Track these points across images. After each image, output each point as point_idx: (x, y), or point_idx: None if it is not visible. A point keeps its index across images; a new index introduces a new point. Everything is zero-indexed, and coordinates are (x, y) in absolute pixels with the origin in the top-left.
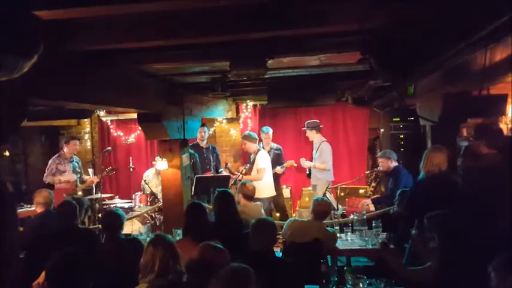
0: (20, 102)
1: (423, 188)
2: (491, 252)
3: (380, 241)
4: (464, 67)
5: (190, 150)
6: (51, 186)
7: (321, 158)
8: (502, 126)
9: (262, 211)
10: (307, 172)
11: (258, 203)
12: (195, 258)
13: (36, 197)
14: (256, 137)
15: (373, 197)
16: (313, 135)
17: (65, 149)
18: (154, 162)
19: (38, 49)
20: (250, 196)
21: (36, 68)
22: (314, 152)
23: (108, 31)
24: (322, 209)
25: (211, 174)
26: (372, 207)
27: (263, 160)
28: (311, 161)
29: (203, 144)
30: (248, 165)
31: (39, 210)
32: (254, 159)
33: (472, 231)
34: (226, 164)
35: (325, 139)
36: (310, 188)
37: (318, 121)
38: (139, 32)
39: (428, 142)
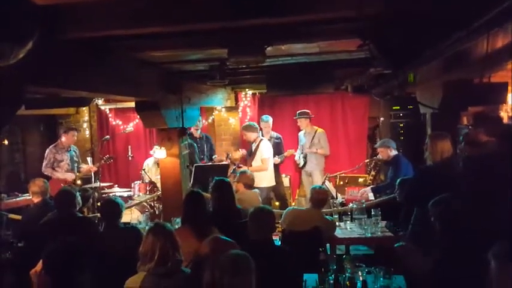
0: (16, 89)
1: (425, 176)
2: (491, 240)
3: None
4: (465, 54)
5: (189, 140)
6: (49, 176)
7: (320, 144)
8: (503, 114)
9: (259, 198)
10: (303, 162)
11: (256, 190)
12: (205, 252)
13: (31, 187)
14: (256, 126)
15: (372, 186)
16: (306, 124)
17: (63, 139)
18: (152, 152)
19: (33, 35)
20: (250, 185)
21: (32, 54)
22: (306, 139)
23: (104, 18)
24: (320, 197)
25: (209, 163)
26: (371, 196)
27: (267, 150)
28: (295, 150)
29: (197, 134)
30: (249, 156)
31: (35, 199)
32: (256, 148)
33: (472, 219)
34: (227, 155)
35: (316, 127)
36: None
37: (308, 111)
38: (135, 19)
39: (428, 130)
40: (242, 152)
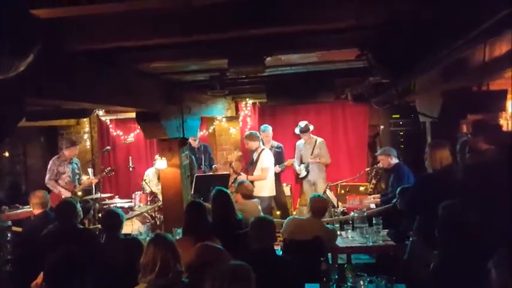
0: (17, 101)
1: (426, 183)
2: (492, 247)
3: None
4: (463, 63)
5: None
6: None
7: (321, 153)
8: (503, 122)
9: (259, 207)
10: (305, 173)
11: (256, 200)
12: (192, 259)
13: (32, 199)
14: (258, 135)
15: (381, 197)
16: (308, 137)
17: (66, 153)
18: (154, 162)
19: (34, 48)
20: (248, 195)
21: (33, 67)
22: (307, 149)
23: (105, 30)
24: (319, 206)
25: (210, 173)
26: (372, 205)
27: (267, 160)
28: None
29: (195, 144)
30: (250, 165)
31: (36, 211)
32: (258, 158)
33: (472, 226)
34: (230, 163)
35: (316, 136)
36: (304, 185)
37: (306, 122)
38: (136, 31)
39: (428, 138)
40: (237, 153)
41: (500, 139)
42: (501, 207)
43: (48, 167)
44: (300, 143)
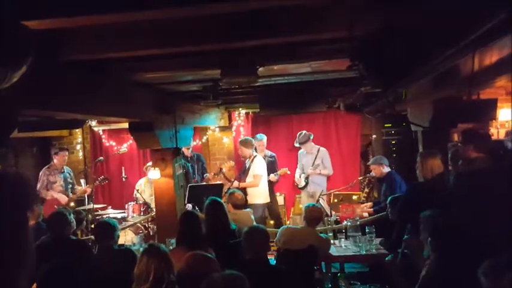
0: (10, 112)
1: (416, 192)
2: (484, 254)
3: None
4: (454, 72)
5: (182, 160)
6: (43, 198)
7: (323, 164)
8: (493, 130)
9: (252, 217)
10: (303, 183)
11: (248, 209)
12: (182, 268)
13: None
14: (253, 142)
15: (374, 206)
16: (309, 146)
17: (55, 160)
18: (144, 170)
19: (27, 59)
20: (239, 205)
21: (26, 78)
22: (308, 159)
23: (99, 40)
24: (314, 215)
25: (203, 183)
26: (365, 214)
27: (260, 166)
28: (295, 170)
29: (188, 153)
30: (243, 173)
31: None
32: (250, 165)
33: (464, 234)
34: (221, 169)
35: (318, 146)
36: (301, 195)
37: (305, 131)
38: (130, 41)
39: (420, 147)
40: (230, 163)
41: (490, 147)
42: (492, 214)
43: (39, 177)
44: (301, 151)
